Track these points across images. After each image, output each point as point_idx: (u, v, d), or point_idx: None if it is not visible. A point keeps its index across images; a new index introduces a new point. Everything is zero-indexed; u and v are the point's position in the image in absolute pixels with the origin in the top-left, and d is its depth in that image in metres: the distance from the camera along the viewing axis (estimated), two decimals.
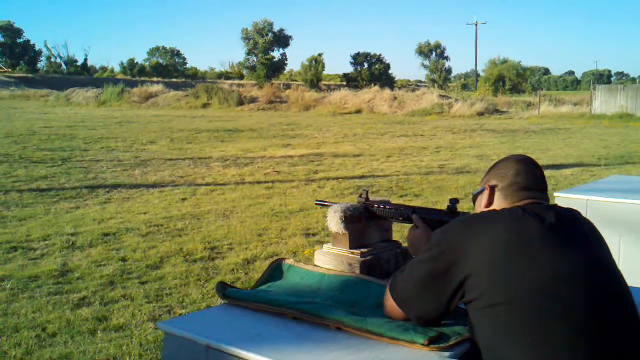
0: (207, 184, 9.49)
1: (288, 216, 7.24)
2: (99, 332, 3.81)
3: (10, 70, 59.48)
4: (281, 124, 22.29)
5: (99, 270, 5.10)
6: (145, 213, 7.36)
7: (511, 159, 1.79)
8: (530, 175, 1.74)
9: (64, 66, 69.25)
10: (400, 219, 2.08)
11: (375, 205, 2.15)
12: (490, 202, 1.75)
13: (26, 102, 37.35)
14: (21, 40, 68.06)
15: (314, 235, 6.37)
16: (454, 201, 1.98)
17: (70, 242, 5.99)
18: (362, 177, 10.25)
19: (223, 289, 1.96)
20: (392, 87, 44.01)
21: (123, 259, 5.43)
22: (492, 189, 1.75)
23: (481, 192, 1.79)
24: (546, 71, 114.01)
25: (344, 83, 63.81)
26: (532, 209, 1.61)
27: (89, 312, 4.14)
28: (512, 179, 1.73)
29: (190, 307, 4.25)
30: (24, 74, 57.32)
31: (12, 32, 67.17)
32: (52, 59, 69.73)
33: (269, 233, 6.45)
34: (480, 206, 1.78)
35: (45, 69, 68.46)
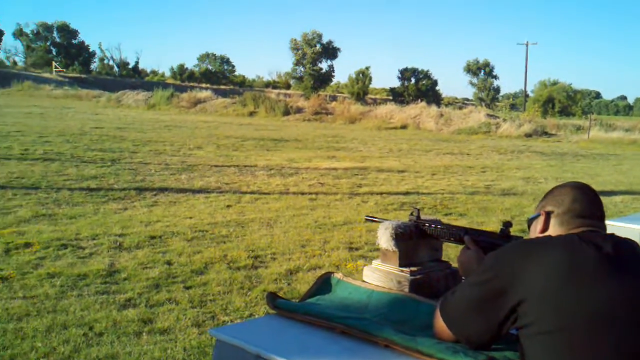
0: (252, 192, 9.58)
1: (331, 229, 7.26)
2: (144, 334, 3.89)
3: (64, 70, 61.06)
4: (326, 136, 22.37)
5: (145, 272, 5.20)
6: (191, 218, 7.48)
7: (568, 186, 1.79)
8: (587, 203, 1.73)
9: (116, 68, 70.79)
10: (452, 239, 2.08)
11: (427, 225, 2.16)
12: (545, 228, 1.75)
13: (78, 102, 38.27)
14: (76, 41, 69.81)
15: (357, 249, 6.37)
16: (507, 224, 1.97)
17: (118, 243, 6.12)
18: (406, 193, 10.21)
19: (273, 299, 1.99)
20: (438, 104, 43.75)
21: (168, 263, 5.53)
22: (548, 215, 1.75)
23: (537, 217, 1.79)
24: (597, 95, 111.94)
25: (390, 97, 63.67)
26: (588, 236, 1.60)
27: (135, 313, 4.22)
28: (569, 205, 1.72)
29: (234, 315, 4.30)
30: (78, 74, 58.76)
31: (69, 33, 68.97)
32: (105, 61, 71.36)
33: (312, 245, 6.48)
34: (535, 232, 1.78)
35: (98, 70, 70.06)
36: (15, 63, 67.11)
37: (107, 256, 5.65)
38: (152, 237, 6.42)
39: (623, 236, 1.70)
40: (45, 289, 4.64)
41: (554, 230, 1.73)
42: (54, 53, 67.87)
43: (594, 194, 1.77)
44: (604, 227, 1.73)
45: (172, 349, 3.66)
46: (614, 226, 3.83)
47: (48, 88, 44.28)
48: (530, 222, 1.84)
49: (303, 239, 6.71)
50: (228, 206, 8.37)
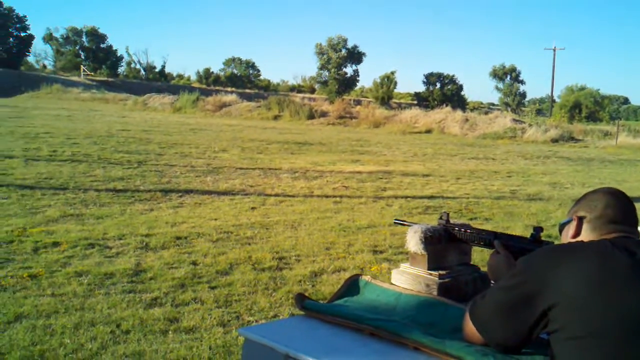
0: (276, 195, 9.62)
1: (355, 232, 7.26)
2: (170, 332, 3.92)
3: (92, 73, 61.82)
4: (350, 140, 22.36)
5: (171, 272, 5.25)
6: (216, 219, 7.52)
7: (601, 191, 1.77)
8: (620, 209, 1.71)
9: (143, 72, 71.45)
10: (482, 243, 2.08)
11: (456, 229, 2.15)
12: (577, 233, 1.73)
13: (105, 105, 38.74)
14: (104, 45, 70.59)
15: (381, 252, 6.37)
16: (538, 230, 1.96)
17: (144, 243, 6.18)
18: (431, 197, 10.17)
19: (302, 300, 2.00)
20: (464, 109, 43.46)
21: (194, 263, 5.57)
22: (580, 220, 1.73)
23: (568, 222, 1.78)
24: (625, 100, 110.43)
25: (415, 102, 63.46)
26: (621, 242, 1.59)
27: (161, 312, 4.26)
28: (602, 211, 1.71)
29: (258, 315, 4.32)
30: (105, 78, 59.44)
31: (97, 37, 69.75)
32: (132, 65, 72.09)
33: (337, 247, 6.48)
34: (567, 237, 1.76)
35: (125, 73, 70.79)
36: (44, 67, 68.16)
37: (134, 256, 5.71)
38: (178, 238, 6.48)
39: None
40: (73, 287, 4.71)
41: (586, 235, 1.71)
42: (83, 57, 68.68)
43: (627, 200, 1.75)
44: (637, 234, 1.71)
45: (197, 348, 3.69)
46: None
47: (76, 91, 44.91)
48: (562, 227, 1.82)
49: (327, 241, 6.72)
50: (253, 208, 8.41)
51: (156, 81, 64.80)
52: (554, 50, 63.67)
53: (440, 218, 2.22)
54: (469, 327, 1.68)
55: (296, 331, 1.84)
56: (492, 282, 1.99)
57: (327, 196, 9.75)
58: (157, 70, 72.24)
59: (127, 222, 7.09)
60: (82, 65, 62.87)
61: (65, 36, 69.23)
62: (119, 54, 72.11)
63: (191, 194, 9.23)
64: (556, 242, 1.76)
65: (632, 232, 1.69)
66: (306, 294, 4.71)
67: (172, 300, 4.56)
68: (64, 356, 3.52)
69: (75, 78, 54.27)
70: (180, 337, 3.86)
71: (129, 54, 72.71)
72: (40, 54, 77.53)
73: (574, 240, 1.72)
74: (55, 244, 5.97)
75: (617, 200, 1.73)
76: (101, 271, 5.16)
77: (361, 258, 6.09)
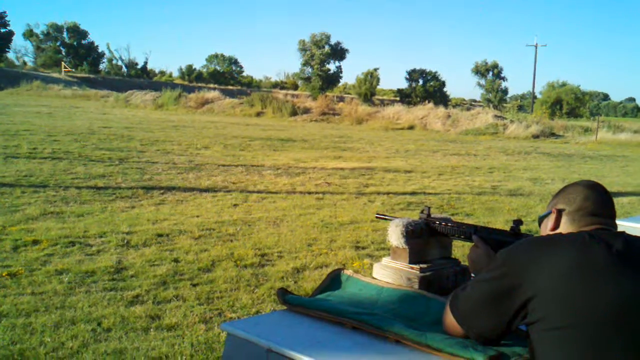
0: (258, 192, 9.60)
1: (338, 228, 7.27)
2: (151, 330, 3.90)
3: (73, 70, 61.28)
4: (333, 136, 22.37)
5: (153, 269, 5.22)
6: (198, 216, 7.49)
7: (580, 184, 1.79)
8: (599, 201, 1.73)
9: (124, 68, 70.96)
10: (462, 237, 2.09)
11: (437, 222, 2.16)
12: (556, 225, 1.75)
13: (87, 101, 38.42)
14: (86, 41, 70.04)
15: (363, 248, 6.38)
16: (517, 222, 1.98)
17: (126, 241, 6.14)
18: (413, 193, 10.20)
19: (284, 294, 2.00)
20: (446, 105, 43.66)
21: (176, 260, 5.54)
22: (560, 212, 1.75)
23: (548, 215, 1.79)
24: (605, 97, 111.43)
25: (398, 98, 63.65)
26: (599, 234, 1.60)
27: (143, 310, 4.24)
28: (581, 203, 1.72)
29: (241, 312, 4.31)
30: (86, 75, 58.97)
31: (78, 33, 69.19)
32: (114, 61, 71.55)
33: (319, 243, 6.48)
34: (546, 229, 1.78)
35: (106, 70, 70.27)
36: (25, 63, 67.47)
37: (115, 253, 5.67)
38: (160, 235, 6.44)
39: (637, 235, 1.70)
40: (54, 285, 4.67)
41: (565, 228, 1.73)
42: (63, 53, 68.14)
43: (605, 193, 1.77)
44: (615, 226, 1.73)
45: (179, 345, 3.67)
46: (622, 226, 3.80)
47: (57, 88, 44.49)
48: (541, 219, 1.84)
49: (310, 237, 6.72)
50: (235, 205, 8.38)
51: (138, 78, 64.41)
52: (536, 46, 64.26)
53: (422, 212, 2.23)
54: (450, 320, 1.69)
55: (278, 325, 1.84)
56: (473, 275, 2.00)
57: (309, 192, 9.74)
58: (139, 66, 71.76)
59: (108, 220, 7.04)
60: (63, 62, 62.37)
61: (45, 32, 68.64)
62: (100, 51, 71.69)
63: (173, 191, 9.19)
64: (536, 235, 1.78)
65: (609, 224, 1.71)
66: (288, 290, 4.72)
67: (153, 297, 4.53)
68: (44, 355, 3.49)
69: (56, 75, 53.78)
70: (161, 334, 3.84)
71: (110, 51, 72.04)
72: (20, 50, 76.63)
73: (553, 232, 1.74)
74: (35, 242, 5.91)
75: (596, 193, 1.75)
76: (82, 269, 5.12)
77: (343, 254, 6.09)
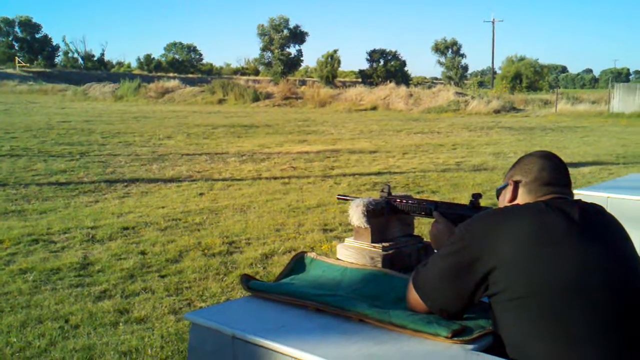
0: (224, 179, 9.54)
1: (305, 212, 7.27)
2: (120, 324, 3.86)
3: (28, 64, 59.94)
4: (297, 120, 22.32)
5: (119, 263, 5.16)
6: (163, 207, 7.42)
7: (535, 155, 1.81)
8: (554, 171, 1.75)
9: (81, 61, 69.66)
10: (423, 213, 2.10)
11: (398, 200, 2.17)
12: (514, 197, 1.77)
13: (44, 96, 37.66)
14: (39, 35, 68.54)
15: (331, 230, 6.39)
16: (476, 196, 2.00)
17: (91, 236, 6.06)
18: (378, 173, 10.25)
19: (247, 281, 1.99)
20: (407, 84, 43.79)
21: (143, 253, 5.49)
22: (516, 184, 1.77)
23: (505, 187, 1.81)
24: (564, 69, 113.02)
25: (360, 80, 63.63)
26: (556, 203, 1.63)
27: (111, 304, 4.19)
28: (536, 174, 1.74)
29: (210, 301, 4.29)
30: (42, 69, 57.71)
31: (31, 27, 67.66)
32: (70, 54, 70.19)
33: (287, 228, 6.48)
34: (504, 201, 1.80)
35: (62, 64, 68.90)
36: None
37: (80, 249, 5.59)
38: (125, 228, 6.37)
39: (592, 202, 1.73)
40: (18, 285, 4.58)
41: (522, 199, 1.75)
42: (17, 48, 66.58)
43: (560, 162, 1.79)
44: (571, 194, 1.76)
45: (149, 337, 3.64)
46: (582, 195, 3.89)
47: (12, 84, 43.51)
48: (498, 192, 1.86)
49: (277, 223, 6.71)
50: (200, 194, 8.32)
51: (95, 70, 63.30)
52: (493, 22, 64.82)
53: (382, 191, 2.23)
54: (413, 296, 1.70)
55: (243, 312, 1.84)
56: (435, 250, 2.02)
57: (275, 178, 9.72)
58: (95, 58, 70.54)
59: (72, 216, 6.93)
60: (16, 57, 60.90)
61: None
62: (55, 44, 70.20)
63: (137, 183, 9.08)
64: (494, 207, 1.80)
65: (566, 193, 1.73)
66: (257, 277, 4.71)
67: (121, 291, 4.48)
68: (11, 355, 3.43)
69: (10, 70, 52.48)
70: (131, 328, 3.81)
71: (65, 44, 71.15)
72: None
73: (510, 204, 1.76)
74: None
75: (551, 162, 1.77)
76: (47, 267, 5.04)
77: (311, 237, 6.10)
